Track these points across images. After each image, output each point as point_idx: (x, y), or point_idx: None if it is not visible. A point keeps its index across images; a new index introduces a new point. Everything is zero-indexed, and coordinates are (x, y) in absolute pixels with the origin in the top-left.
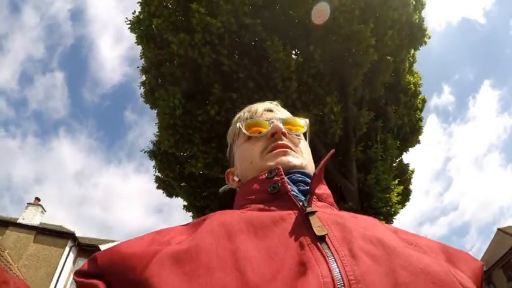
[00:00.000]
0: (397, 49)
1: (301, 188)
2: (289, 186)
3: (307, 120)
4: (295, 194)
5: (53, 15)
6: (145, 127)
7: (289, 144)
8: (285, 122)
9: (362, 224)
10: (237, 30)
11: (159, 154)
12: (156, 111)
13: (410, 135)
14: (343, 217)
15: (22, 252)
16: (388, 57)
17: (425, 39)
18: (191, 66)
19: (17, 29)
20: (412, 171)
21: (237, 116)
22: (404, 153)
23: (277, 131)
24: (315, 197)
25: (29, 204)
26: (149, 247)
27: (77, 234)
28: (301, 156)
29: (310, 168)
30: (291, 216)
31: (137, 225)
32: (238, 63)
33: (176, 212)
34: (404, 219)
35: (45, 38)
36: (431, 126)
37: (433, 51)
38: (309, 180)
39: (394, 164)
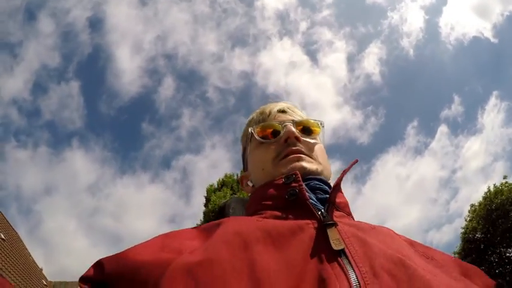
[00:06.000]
0: None
1: (319, 196)
2: (307, 193)
3: (322, 121)
4: (313, 202)
5: (70, 23)
6: (162, 139)
7: (304, 149)
8: (299, 124)
9: (381, 237)
10: None
11: None
12: None
13: None
14: (363, 229)
15: None
16: None
17: None
18: None
19: (33, 36)
20: None
21: (250, 117)
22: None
23: (289, 136)
24: (333, 206)
25: None
26: (160, 254)
27: None
28: (317, 162)
29: (327, 173)
30: (309, 226)
31: (149, 235)
32: None
33: (188, 221)
34: (412, 226)
35: (61, 46)
36: (441, 136)
37: (446, 65)
38: (327, 188)
39: None
